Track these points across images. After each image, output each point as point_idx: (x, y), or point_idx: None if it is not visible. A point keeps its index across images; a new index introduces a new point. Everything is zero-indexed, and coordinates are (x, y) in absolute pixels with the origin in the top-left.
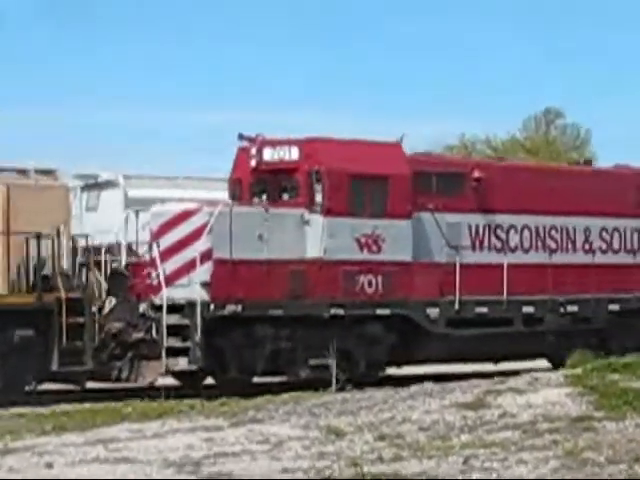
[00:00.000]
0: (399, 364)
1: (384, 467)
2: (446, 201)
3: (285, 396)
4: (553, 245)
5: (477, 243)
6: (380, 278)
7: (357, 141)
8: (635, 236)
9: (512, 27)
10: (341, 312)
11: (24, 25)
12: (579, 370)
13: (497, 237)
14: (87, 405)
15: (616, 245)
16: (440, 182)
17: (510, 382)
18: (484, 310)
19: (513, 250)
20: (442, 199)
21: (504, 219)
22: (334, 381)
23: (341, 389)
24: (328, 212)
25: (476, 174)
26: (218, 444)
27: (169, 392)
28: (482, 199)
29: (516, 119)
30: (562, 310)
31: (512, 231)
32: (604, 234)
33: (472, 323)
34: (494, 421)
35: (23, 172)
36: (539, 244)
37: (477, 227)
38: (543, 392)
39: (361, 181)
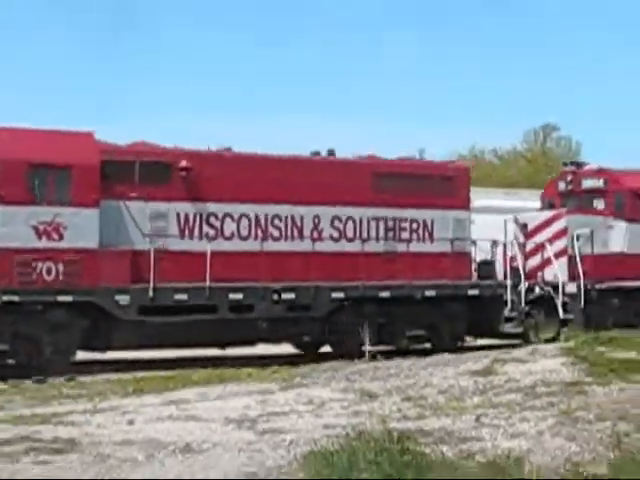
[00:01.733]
0: (102, 350)
1: (409, 424)
2: (150, 190)
3: (326, 365)
4: (276, 233)
5: (186, 231)
6: (62, 266)
7: (41, 131)
8: (373, 224)
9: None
10: (16, 299)
11: None
12: (572, 343)
13: (209, 225)
14: (162, 372)
15: (350, 233)
16: (142, 171)
17: (514, 353)
18: (184, 297)
19: (228, 238)
20: (144, 188)
21: (218, 207)
22: (367, 351)
23: (373, 358)
24: (3, 201)
25: (184, 164)
26: (270, 405)
27: (232, 361)
28: (192, 188)
29: (518, 131)
30: (276, 297)
31: (228, 219)
32: (336, 222)
33: (172, 310)
34: (501, 385)
35: None
36: (258, 232)
37: (186, 215)
38: (542, 362)
39: (40, 170)
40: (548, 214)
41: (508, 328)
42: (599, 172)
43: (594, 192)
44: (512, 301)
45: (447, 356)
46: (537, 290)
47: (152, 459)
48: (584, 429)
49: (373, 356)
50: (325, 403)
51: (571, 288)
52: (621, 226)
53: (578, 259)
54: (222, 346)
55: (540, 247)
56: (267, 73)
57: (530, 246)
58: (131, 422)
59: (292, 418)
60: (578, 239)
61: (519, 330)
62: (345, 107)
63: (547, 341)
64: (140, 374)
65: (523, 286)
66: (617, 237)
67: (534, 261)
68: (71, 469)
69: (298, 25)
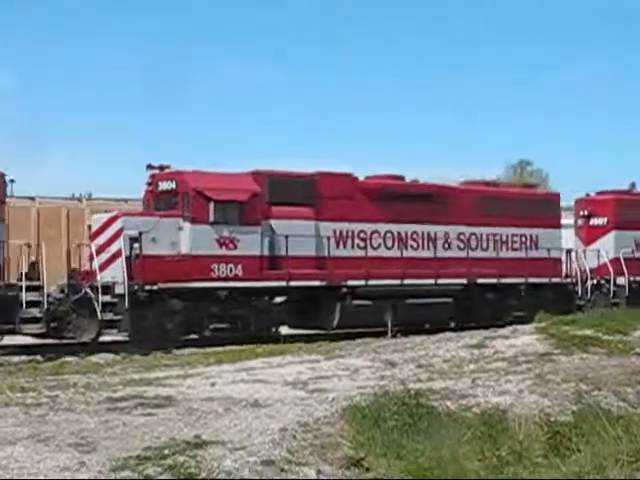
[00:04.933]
0: None
1: (421, 384)
2: None
3: (358, 341)
4: None
5: None
6: None
7: None
8: None
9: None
10: None
11: None
12: (543, 324)
13: None
14: (234, 347)
15: None
16: None
17: (500, 332)
18: None
19: None
20: None
21: None
22: (389, 330)
23: (394, 336)
24: None
25: None
26: (317, 371)
27: (285, 338)
28: None
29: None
30: None
31: None
32: None
33: None
34: (490, 356)
35: None
36: None
37: None
38: (521, 338)
39: None
40: (106, 217)
41: (28, 329)
42: (173, 174)
43: (169, 194)
44: (30, 302)
45: (449, 334)
46: (83, 291)
47: (229, 411)
48: (553, 388)
49: (394, 335)
50: (358, 369)
51: (119, 289)
52: (187, 227)
53: (124, 261)
54: None
55: (101, 249)
56: None
57: (94, 248)
58: (213, 384)
59: (334, 381)
60: (137, 240)
61: (42, 331)
62: None
63: (94, 339)
64: (218, 349)
65: (46, 289)
66: (184, 238)
67: (97, 262)
68: (170, 419)
69: None
